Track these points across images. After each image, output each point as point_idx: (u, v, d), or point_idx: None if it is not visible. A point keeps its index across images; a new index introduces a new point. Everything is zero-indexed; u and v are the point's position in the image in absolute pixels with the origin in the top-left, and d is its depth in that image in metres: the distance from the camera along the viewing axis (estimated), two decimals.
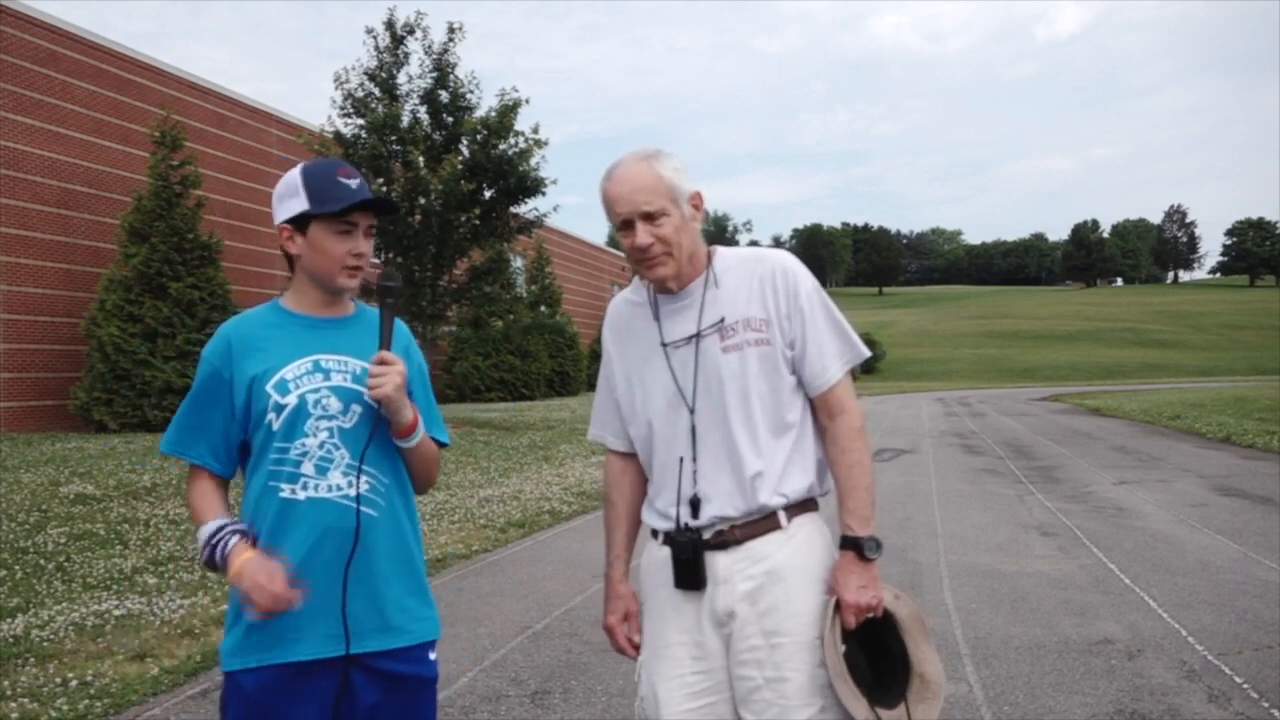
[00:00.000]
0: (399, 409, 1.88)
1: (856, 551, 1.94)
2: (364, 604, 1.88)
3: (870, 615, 1.93)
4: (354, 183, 1.93)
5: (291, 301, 1.99)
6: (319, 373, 1.90)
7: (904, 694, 1.92)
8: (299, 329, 1.95)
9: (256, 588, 1.76)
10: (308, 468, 1.87)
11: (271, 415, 1.86)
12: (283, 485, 1.86)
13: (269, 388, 1.88)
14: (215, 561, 1.85)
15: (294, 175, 1.94)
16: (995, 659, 4.49)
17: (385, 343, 1.90)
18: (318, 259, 1.92)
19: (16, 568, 6.27)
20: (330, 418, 1.89)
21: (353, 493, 1.88)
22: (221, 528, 1.86)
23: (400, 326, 2.05)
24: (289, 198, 1.92)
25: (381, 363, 1.86)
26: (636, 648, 2.09)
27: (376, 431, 1.91)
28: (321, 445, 1.88)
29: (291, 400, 1.87)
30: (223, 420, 1.91)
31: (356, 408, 1.91)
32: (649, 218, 1.93)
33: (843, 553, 1.96)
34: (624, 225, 1.96)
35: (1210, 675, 4.21)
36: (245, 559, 1.80)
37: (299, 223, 1.91)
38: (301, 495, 1.86)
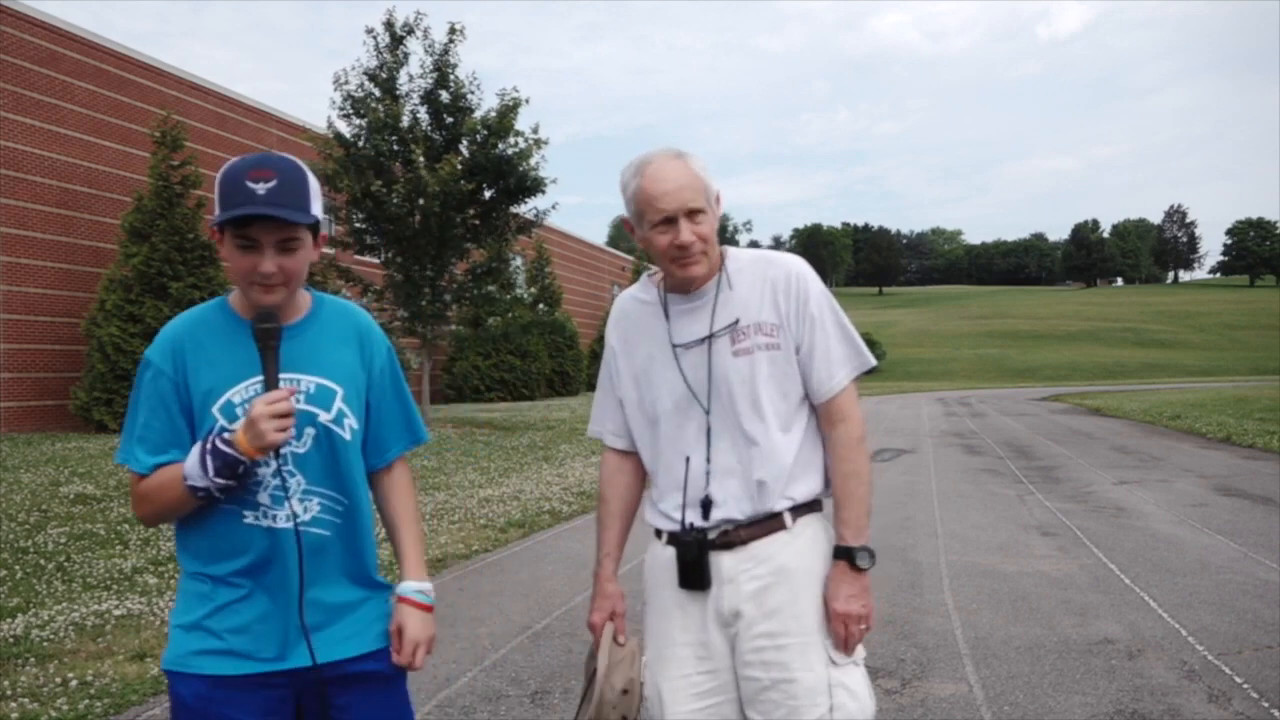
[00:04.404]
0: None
1: (849, 561, 1.94)
2: (315, 626, 1.79)
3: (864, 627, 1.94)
4: (261, 186, 1.68)
5: (238, 303, 1.82)
6: None
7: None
8: (246, 339, 1.76)
9: (260, 419, 1.65)
10: (263, 497, 1.76)
11: None
12: (244, 512, 1.75)
13: (215, 410, 1.74)
14: (219, 455, 1.67)
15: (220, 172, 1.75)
16: (995, 659, 4.49)
17: (271, 383, 1.73)
18: (231, 271, 1.76)
19: (16, 568, 6.27)
20: (289, 442, 1.74)
21: (308, 517, 1.78)
22: (199, 444, 1.70)
23: (368, 325, 1.93)
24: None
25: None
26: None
27: (332, 452, 1.81)
28: (275, 474, 1.75)
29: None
30: (178, 424, 1.77)
31: (310, 430, 1.77)
32: (691, 215, 1.93)
33: (835, 562, 1.97)
34: (665, 222, 1.93)
35: (1210, 675, 4.20)
36: (242, 423, 1.68)
37: (221, 227, 1.72)
38: (264, 523, 1.75)
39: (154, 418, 1.76)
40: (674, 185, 1.92)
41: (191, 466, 1.69)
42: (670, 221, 1.93)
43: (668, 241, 1.94)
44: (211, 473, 1.68)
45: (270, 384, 1.73)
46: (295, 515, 1.76)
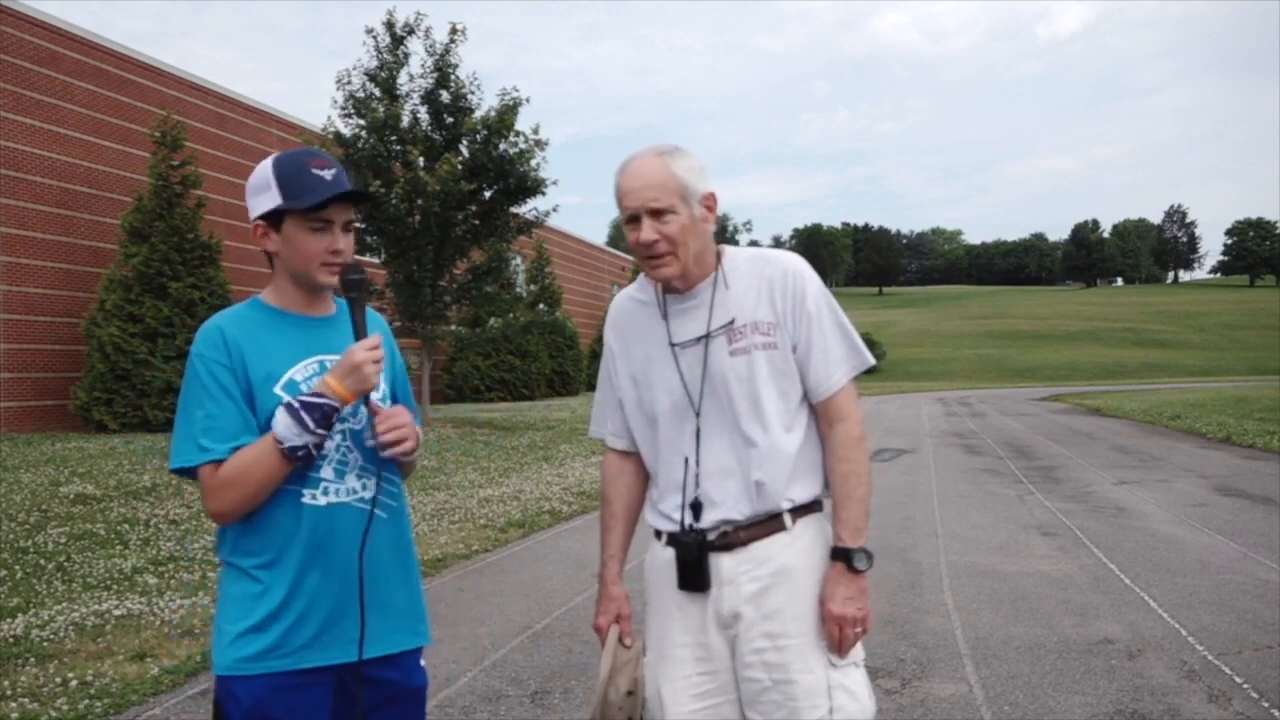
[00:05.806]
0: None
1: (846, 563, 1.93)
2: (373, 608, 1.84)
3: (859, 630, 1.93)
4: (328, 173, 1.82)
5: (275, 299, 1.89)
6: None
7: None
8: (292, 328, 1.86)
9: (364, 362, 1.74)
10: (327, 472, 1.80)
11: None
12: (304, 491, 1.79)
13: (278, 389, 1.79)
14: (313, 407, 1.73)
15: (265, 168, 1.84)
16: (995, 659, 4.49)
17: (360, 335, 1.84)
18: (295, 256, 1.82)
19: (16, 568, 6.27)
20: (341, 419, 1.82)
21: (368, 495, 1.84)
22: (285, 404, 1.75)
23: (382, 325, 2.00)
24: (261, 192, 1.82)
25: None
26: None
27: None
28: (337, 448, 1.82)
29: None
30: (244, 410, 1.79)
31: (363, 409, 1.86)
32: (656, 214, 1.91)
33: (832, 563, 1.95)
34: (630, 220, 1.94)
35: (1210, 675, 4.20)
36: (334, 371, 1.76)
37: (273, 218, 1.82)
38: (323, 500, 1.80)
39: (219, 407, 1.77)
40: (640, 184, 1.91)
41: (285, 429, 1.72)
42: (635, 219, 1.93)
43: (634, 239, 1.95)
44: (312, 425, 1.72)
45: (360, 333, 1.82)
46: (355, 491, 1.82)
